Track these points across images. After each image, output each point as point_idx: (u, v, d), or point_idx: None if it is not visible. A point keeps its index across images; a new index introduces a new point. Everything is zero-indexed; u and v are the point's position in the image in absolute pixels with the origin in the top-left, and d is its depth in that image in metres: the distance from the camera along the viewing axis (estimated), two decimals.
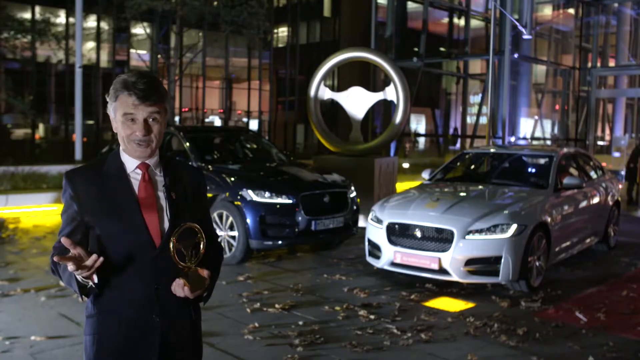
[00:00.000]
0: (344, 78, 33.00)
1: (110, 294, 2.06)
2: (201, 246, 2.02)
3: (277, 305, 5.62)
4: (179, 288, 1.99)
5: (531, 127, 28.29)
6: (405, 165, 21.48)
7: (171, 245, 1.96)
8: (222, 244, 7.41)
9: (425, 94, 32.78)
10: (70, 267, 1.84)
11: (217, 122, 33.74)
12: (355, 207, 8.22)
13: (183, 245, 1.99)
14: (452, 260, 6.13)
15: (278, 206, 7.39)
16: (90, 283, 1.99)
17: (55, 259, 1.84)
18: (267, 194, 7.39)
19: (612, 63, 26.99)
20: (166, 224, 2.08)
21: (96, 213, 2.05)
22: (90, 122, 26.42)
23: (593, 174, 8.68)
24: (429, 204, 6.67)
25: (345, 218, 7.97)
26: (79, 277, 1.94)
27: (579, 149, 9.55)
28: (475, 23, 29.08)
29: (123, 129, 2.07)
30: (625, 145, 18.83)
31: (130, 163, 2.12)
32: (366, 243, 7.05)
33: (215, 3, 21.74)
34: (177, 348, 2.13)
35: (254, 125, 34.60)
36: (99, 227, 2.05)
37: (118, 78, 2.07)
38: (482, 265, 6.15)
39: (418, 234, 6.40)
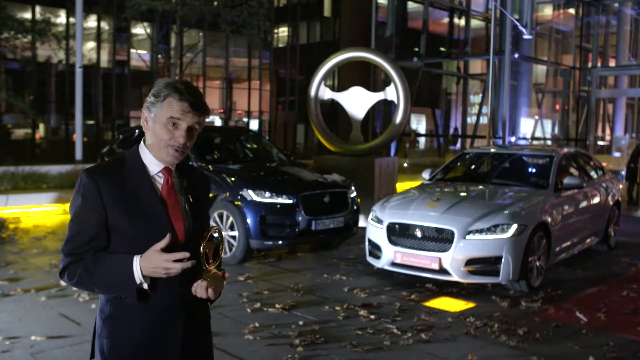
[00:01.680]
0: (344, 78, 33.00)
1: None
2: (220, 248, 2.08)
3: (277, 305, 5.62)
4: (202, 289, 2.01)
5: (531, 127, 28.29)
6: (406, 165, 21.47)
7: (201, 248, 2.00)
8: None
9: (425, 94, 32.79)
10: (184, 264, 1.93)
11: (218, 122, 33.73)
12: (355, 207, 8.22)
13: (206, 247, 2.03)
14: (452, 260, 6.13)
15: (278, 206, 7.39)
16: (145, 284, 1.98)
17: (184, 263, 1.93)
18: (267, 194, 7.39)
19: (612, 63, 26.99)
20: (187, 227, 2.09)
21: (122, 214, 2.00)
22: (91, 122, 26.39)
23: (593, 174, 8.68)
24: (429, 204, 6.66)
25: (346, 218, 7.97)
26: (138, 277, 1.94)
27: (579, 149, 9.55)
28: (475, 23, 29.07)
29: (162, 132, 2.03)
30: (625, 145, 18.84)
31: (154, 165, 2.09)
32: (366, 243, 7.05)
33: (216, 3, 21.72)
34: (195, 348, 2.14)
35: (254, 125, 34.58)
36: (124, 228, 2.01)
37: (162, 81, 2.07)
38: (483, 265, 6.14)
39: (418, 234, 6.40)
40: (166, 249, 1.97)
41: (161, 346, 2.05)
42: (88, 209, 2.01)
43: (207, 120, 2.17)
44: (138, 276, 1.94)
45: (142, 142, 2.12)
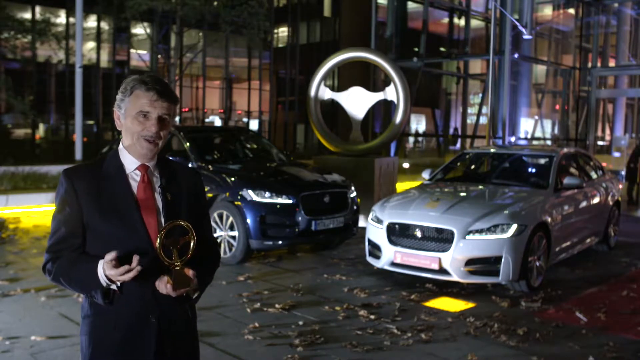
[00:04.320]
0: (344, 78, 33.01)
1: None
2: (191, 245, 2.02)
3: (277, 305, 5.62)
4: (162, 285, 2.00)
5: (531, 127, 28.30)
6: (406, 165, 21.47)
7: (157, 241, 1.96)
8: (222, 244, 7.41)
9: (425, 94, 32.78)
10: (126, 276, 1.90)
11: (217, 122, 33.73)
12: (355, 207, 8.22)
13: (171, 242, 1.99)
14: (452, 260, 6.13)
15: (278, 206, 7.39)
16: (114, 286, 2.00)
17: (115, 273, 1.91)
18: (267, 194, 7.39)
19: (612, 63, 27.00)
20: (160, 225, 2.08)
21: (95, 213, 2.04)
22: (90, 122, 26.39)
23: (593, 174, 8.68)
24: (429, 204, 6.66)
25: (346, 218, 7.97)
26: (103, 281, 1.96)
27: (579, 149, 9.55)
28: (475, 23, 29.06)
29: (134, 125, 2.06)
30: (625, 145, 18.81)
31: (130, 163, 2.11)
32: (366, 243, 7.05)
33: (215, 3, 21.72)
34: (174, 348, 2.13)
35: (254, 125, 34.58)
36: (97, 227, 2.05)
37: (130, 77, 2.11)
38: (483, 265, 6.15)
39: (418, 234, 6.40)
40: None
41: (136, 344, 2.07)
42: (65, 208, 2.07)
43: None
44: (103, 280, 1.97)
45: (121, 143, 2.14)
